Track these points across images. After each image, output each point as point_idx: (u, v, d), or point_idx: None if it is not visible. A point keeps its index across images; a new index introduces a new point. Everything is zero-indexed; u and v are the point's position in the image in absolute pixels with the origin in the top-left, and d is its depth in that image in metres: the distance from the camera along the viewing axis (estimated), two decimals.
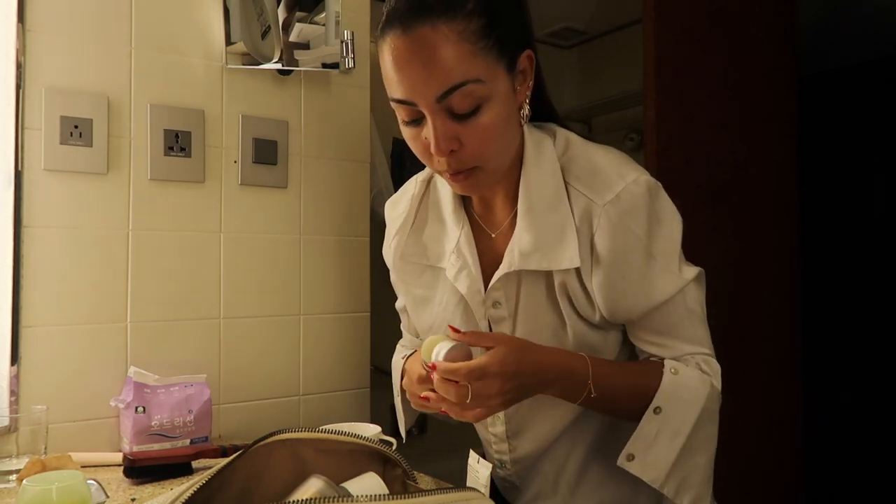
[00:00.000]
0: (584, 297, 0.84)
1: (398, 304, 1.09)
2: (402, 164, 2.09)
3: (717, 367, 0.87)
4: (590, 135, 2.94)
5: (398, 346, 1.12)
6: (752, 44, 2.10)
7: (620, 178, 0.81)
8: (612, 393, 0.83)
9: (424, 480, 0.93)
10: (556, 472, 0.94)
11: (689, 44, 1.94)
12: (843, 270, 2.71)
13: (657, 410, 0.81)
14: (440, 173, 0.83)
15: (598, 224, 0.81)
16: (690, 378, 0.83)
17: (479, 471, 0.93)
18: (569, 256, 0.82)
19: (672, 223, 0.84)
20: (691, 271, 0.85)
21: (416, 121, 0.78)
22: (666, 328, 0.85)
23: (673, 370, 0.83)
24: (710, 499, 0.85)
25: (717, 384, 0.86)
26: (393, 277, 1.05)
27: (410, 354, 1.02)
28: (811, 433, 2.37)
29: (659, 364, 0.84)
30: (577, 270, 0.83)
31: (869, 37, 2.61)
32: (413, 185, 0.99)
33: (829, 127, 2.73)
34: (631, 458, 0.82)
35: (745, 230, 2.04)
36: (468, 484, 0.95)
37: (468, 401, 0.74)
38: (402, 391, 1.03)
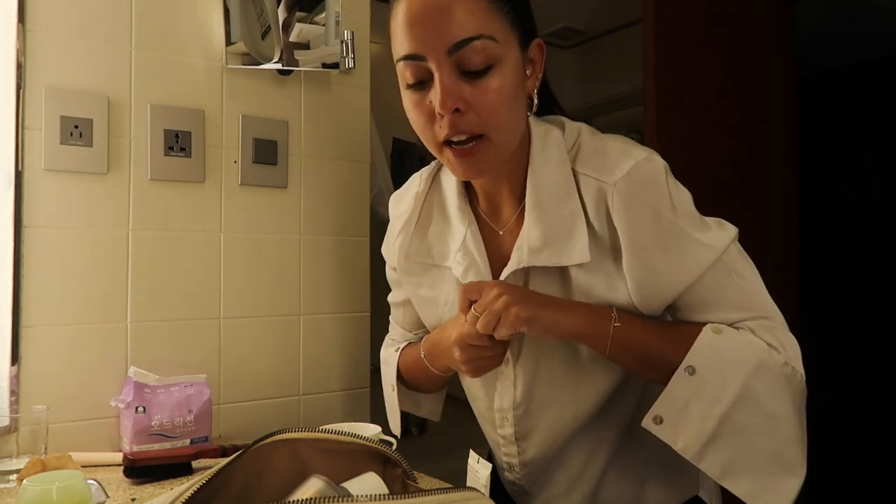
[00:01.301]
0: (610, 290, 0.80)
1: (391, 298, 1.08)
2: (402, 165, 2.09)
3: (789, 339, 0.77)
4: None
5: (387, 340, 1.12)
6: (752, 44, 2.10)
7: (630, 157, 0.78)
8: (643, 338, 0.76)
9: (424, 480, 0.93)
10: (571, 482, 0.91)
11: (689, 44, 1.94)
12: (842, 270, 2.71)
13: (689, 370, 0.73)
14: (438, 150, 0.78)
15: (613, 204, 0.76)
16: (737, 338, 0.75)
17: (479, 471, 0.93)
18: (579, 250, 0.78)
19: (686, 196, 0.81)
20: (725, 235, 0.78)
21: (422, 82, 0.75)
22: (709, 298, 0.77)
23: (715, 329, 0.75)
24: (788, 502, 0.73)
25: (791, 360, 0.76)
26: (392, 274, 1.04)
27: (405, 346, 1.03)
28: (811, 433, 2.36)
29: (701, 324, 0.76)
30: (604, 263, 0.79)
31: (869, 37, 2.61)
32: (418, 181, 0.96)
33: (829, 127, 2.73)
34: (659, 420, 0.75)
35: (746, 230, 2.04)
36: (468, 484, 0.95)
37: (480, 317, 0.75)
38: (397, 385, 1.03)
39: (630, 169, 0.76)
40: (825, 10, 2.63)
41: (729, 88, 2.03)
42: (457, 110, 0.73)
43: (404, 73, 0.76)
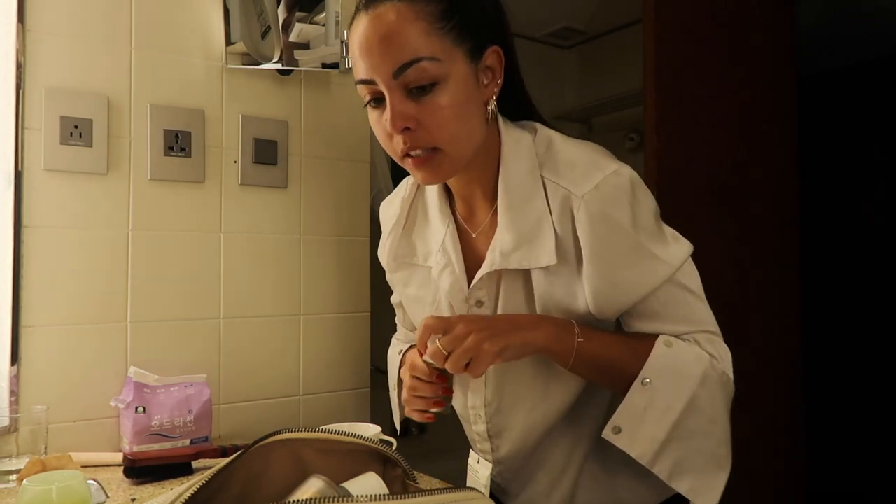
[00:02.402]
0: (571, 292, 0.83)
1: (392, 299, 1.10)
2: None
3: (723, 348, 0.84)
4: (589, 135, 2.95)
5: (393, 340, 1.13)
6: (752, 44, 2.10)
7: (599, 169, 0.81)
8: (604, 354, 0.80)
9: (424, 480, 0.93)
10: (551, 482, 0.93)
11: (689, 44, 1.94)
12: (842, 270, 2.71)
13: (645, 382, 0.79)
14: (401, 161, 0.83)
15: (578, 216, 0.80)
16: (685, 352, 0.80)
17: (479, 471, 0.93)
18: (547, 253, 0.81)
19: (652, 209, 0.84)
20: (680, 251, 0.83)
21: (379, 100, 0.79)
22: (660, 311, 0.83)
23: (666, 343, 0.80)
24: (718, 496, 0.80)
25: (726, 368, 0.83)
26: (388, 276, 1.06)
27: (408, 349, 1.03)
28: (811, 433, 2.37)
29: (653, 336, 0.82)
30: (567, 267, 0.82)
31: (869, 37, 2.61)
32: (405, 187, 1.01)
33: (829, 127, 2.73)
34: (618, 430, 0.80)
35: (746, 230, 2.04)
36: (468, 484, 0.95)
37: (447, 353, 0.76)
38: (399, 384, 1.04)
39: (598, 183, 0.80)
40: (825, 10, 2.63)
41: (729, 88, 2.03)
42: (407, 129, 0.78)
43: (362, 92, 0.81)
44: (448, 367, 0.77)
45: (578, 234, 0.80)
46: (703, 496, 0.79)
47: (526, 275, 0.85)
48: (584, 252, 0.80)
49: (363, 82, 0.79)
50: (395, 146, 0.81)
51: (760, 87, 2.11)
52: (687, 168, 1.89)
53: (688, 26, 1.94)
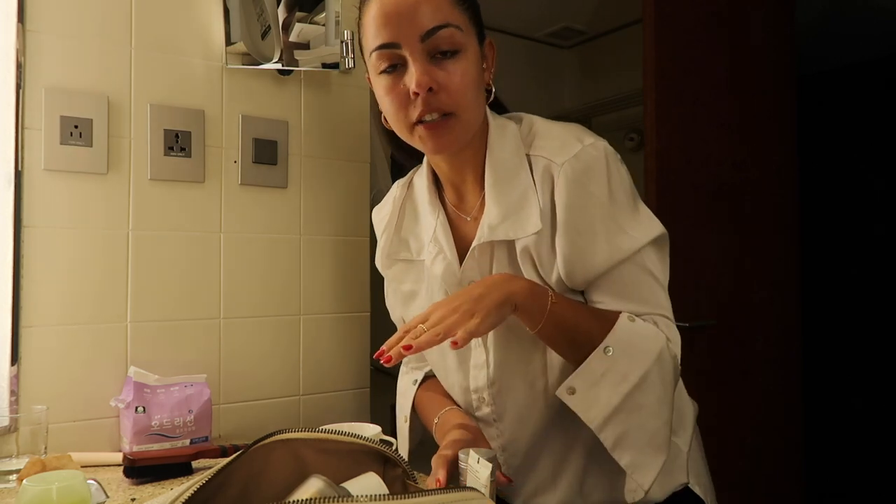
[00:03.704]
0: (550, 260, 0.86)
1: (393, 316, 1.11)
2: (403, 165, 2.09)
3: (676, 333, 0.87)
4: None
5: (403, 367, 1.13)
6: (752, 44, 2.10)
7: (579, 141, 0.85)
8: (573, 319, 0.82)
9: (424, 480, 0.93)
10: (555, 468, 0.94)
11: (689, 44, 1.94)
12: (842, 270, 2.71)
13: (607, 350, 0.81)
14: (409, 132, 0.85)
15: (557, 183, 0.84)
16: (646, 329, 0.83)
17: (478, 471, 0.93)
18: (533, 221, 0.85)
19: (626, 185, 0.87)
20: (650, 232, 0.86)
21: (395, 66, 0.83)
22: (623, 289, 0.85)
23: (630, 318, 0.83)
24: (655, 476, 0.81)
25: (677, 352, 0.86)
26: (385, 280, 1.08)
27: (422, 381, 1.05)
28: (811, 433, 2.37)
29: (616, 312, 0.84)
30: (546, 234, 0.85)
31: (869, 37, 2.61)
32: (395, 188, 1.05)
33: (829, 127, 2.73)
34: (572, 391, 0.81)
35: (745, 230, 2.04)
36: (468, 484, 0.95)
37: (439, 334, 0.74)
38: (410, 416, 1.05)
39: (577, 152, 0.84)
40: (825, 10, 2.63)
41: (729, 88, 2.03)
42: (430, 90, 0.81)
43: (378, 62, 0.84)
44: (441, 341, 0.74)
45: (555, 200, 0.84)
46: (642, 473, 0.81)
47: (511, 247, 0.88)
48: (558, 218, 0.84)
49: (385, 46, 0.82)
50: (409, 113, 0.83)
51: (760, 87, 2.11)
52: (687, 168, 1.89)
53: (688, 26, 1.94)
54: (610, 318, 0.83)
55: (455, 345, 0.72)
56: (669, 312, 0.88)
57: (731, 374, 1.94)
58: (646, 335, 0.83)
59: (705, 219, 1.92)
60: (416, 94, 0.81)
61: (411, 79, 0.81)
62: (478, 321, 0.75)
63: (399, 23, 0.80)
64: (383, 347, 0.77)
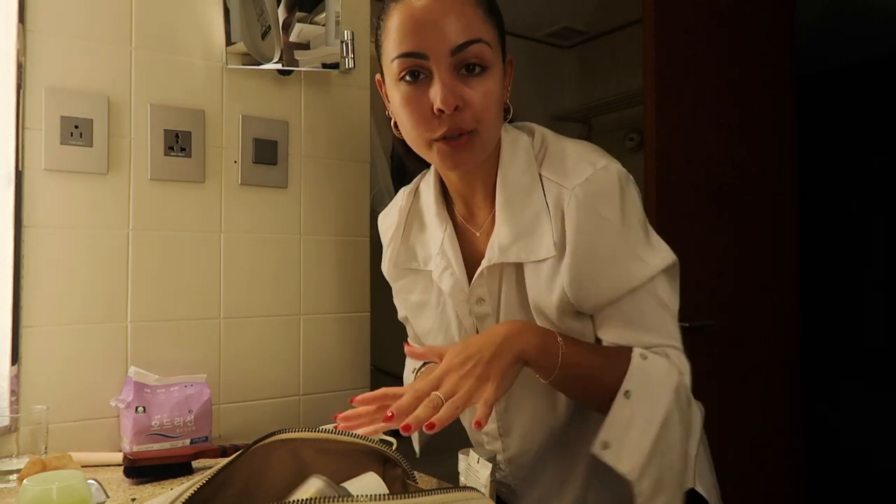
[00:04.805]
0: (556, 282, 0.83)
1: (400, 315, 1.10)
2: (403, 165, 2.09)
3: (686, 363, 0.85)
4: (589, 135, 2.95)
5: (408, 360, 1.12)
6: (752, 44, 2.10)
7: (590, 164, 0.82)
8: (585, 364, 0.79)
9: (424, 480, 0.93)
10: (561, 481, 0.93)
11: (690, 44, 1.94)
12: (842, 270, 2.71)
13: (627, 394, 0.78)
14: (426, 147, 0.82)
15: (567, 206, 0.81)
16: (659, 365, 0.81)
17: (479, 471, 0.93)
18: (546, 246, 0.82)
19: (639, 211, 0.84)
20: (663, 260, 0.83)
21: (416, 74, 0.79)
22: (633, 318, 0.83)
23: (642, 356, 0.80)
24: None
25: (687, 381, 0.83)
26: (394, 289, 1.07)
27: (420, 367, 1.03)
28: (811, 433, 2.37)
29: (627, 348, 0.82)
30: (554, 258, 0.83)
31: (869, 37, 2.61)
32: (401, 196, 1.03)
33: (828, 127, 2.73)
34: (606, 445, 0.78)
35: (745, 230, 2.04)
36: (468, 484, 0.94)
37: (443, 395, 0.71)
38: None
39: (588, 176, 0.81)
40: (825, 10, 2.63)
41: (729, 88, 2.03)
42: (456, 108, 0.78)
43: (398, 70, 0.80)
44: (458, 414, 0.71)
45: (566, 225, 0.81)
46: None
47: (519, 269, 0.86)
48: (567, 242, 0.81)
49: (410, 55, 0.78)
50: (430, 128, 0.80)
51: (760, 87, 2.11)
52: (687, 168, 1.89)
53: (688, 26, 1.94)
54: (622, 358, 0.80)
55: (479, 425, 0.68)
56: (679, 342, 0.85)
57: (731, 374, 1.94)
58: (661, 373, 0.80)
59: (705, 218, 1.92)
60: (441, 111, 0.77)
61: (437, 95, 0.77)
62: (494, 387, 0.72)
63: (428, 33, 0.77)
64: (394, 411, 0.71)
